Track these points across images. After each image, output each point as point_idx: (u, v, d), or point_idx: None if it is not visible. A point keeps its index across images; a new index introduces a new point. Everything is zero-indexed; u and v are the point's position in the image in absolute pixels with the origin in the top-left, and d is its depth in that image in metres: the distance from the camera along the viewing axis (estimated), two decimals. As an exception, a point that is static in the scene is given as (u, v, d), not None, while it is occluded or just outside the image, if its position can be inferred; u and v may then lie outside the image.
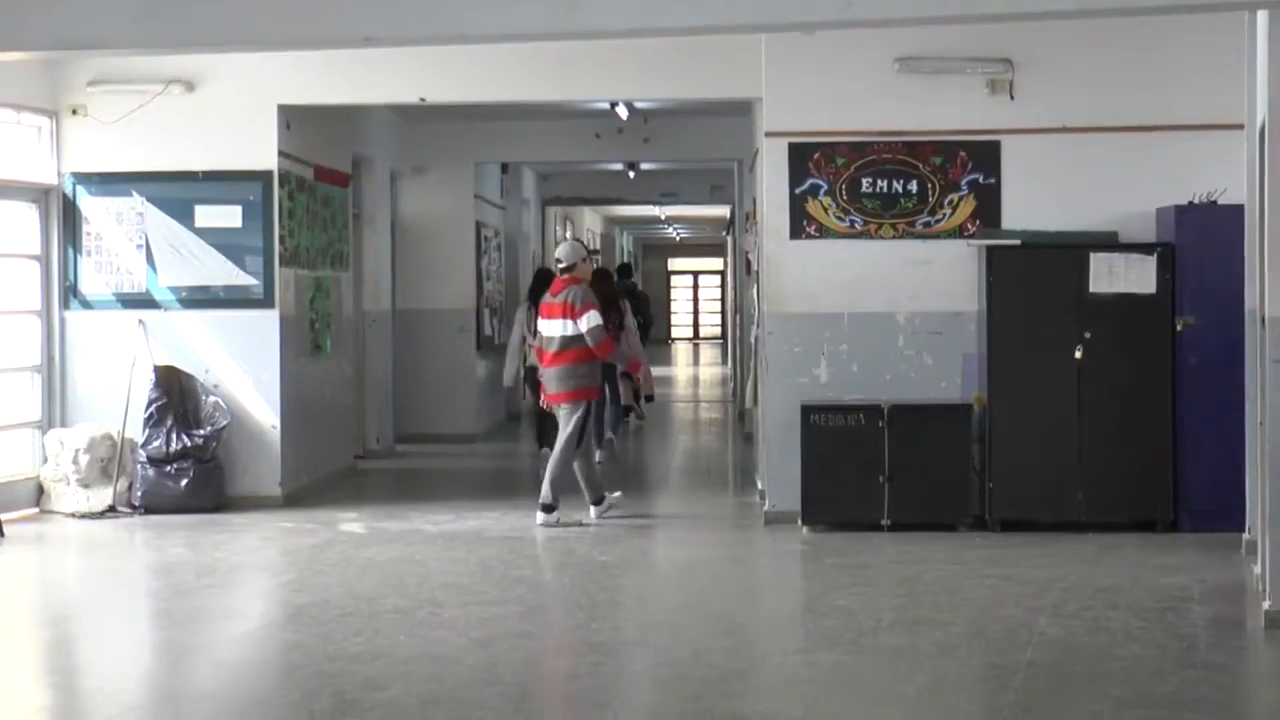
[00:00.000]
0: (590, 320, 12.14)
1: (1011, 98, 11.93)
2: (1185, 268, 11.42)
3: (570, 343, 12.21)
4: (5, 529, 11.83)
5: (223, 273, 13.14)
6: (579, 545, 11.38)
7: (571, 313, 12.19)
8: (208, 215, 13.15)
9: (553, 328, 12.32)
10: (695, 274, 52.64)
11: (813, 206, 12.12)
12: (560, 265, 12.60)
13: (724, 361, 35.88)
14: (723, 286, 47.15)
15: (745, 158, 17.31)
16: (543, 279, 15.98)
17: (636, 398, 17.40)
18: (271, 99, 13.10)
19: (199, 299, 13.14)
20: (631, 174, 23.40)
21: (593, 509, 12.38)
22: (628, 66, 13.00)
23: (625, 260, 31.71)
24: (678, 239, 47.45)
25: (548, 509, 12.08)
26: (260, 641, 8.94)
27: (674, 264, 52.56)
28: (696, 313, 52.90)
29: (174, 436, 12.81)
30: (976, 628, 8.66)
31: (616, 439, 17.50)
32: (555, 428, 15.08)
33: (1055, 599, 9.29)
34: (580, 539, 11.62)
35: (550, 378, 12.40)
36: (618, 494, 12.65)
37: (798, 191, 12.14)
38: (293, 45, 10.82)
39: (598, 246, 37.10)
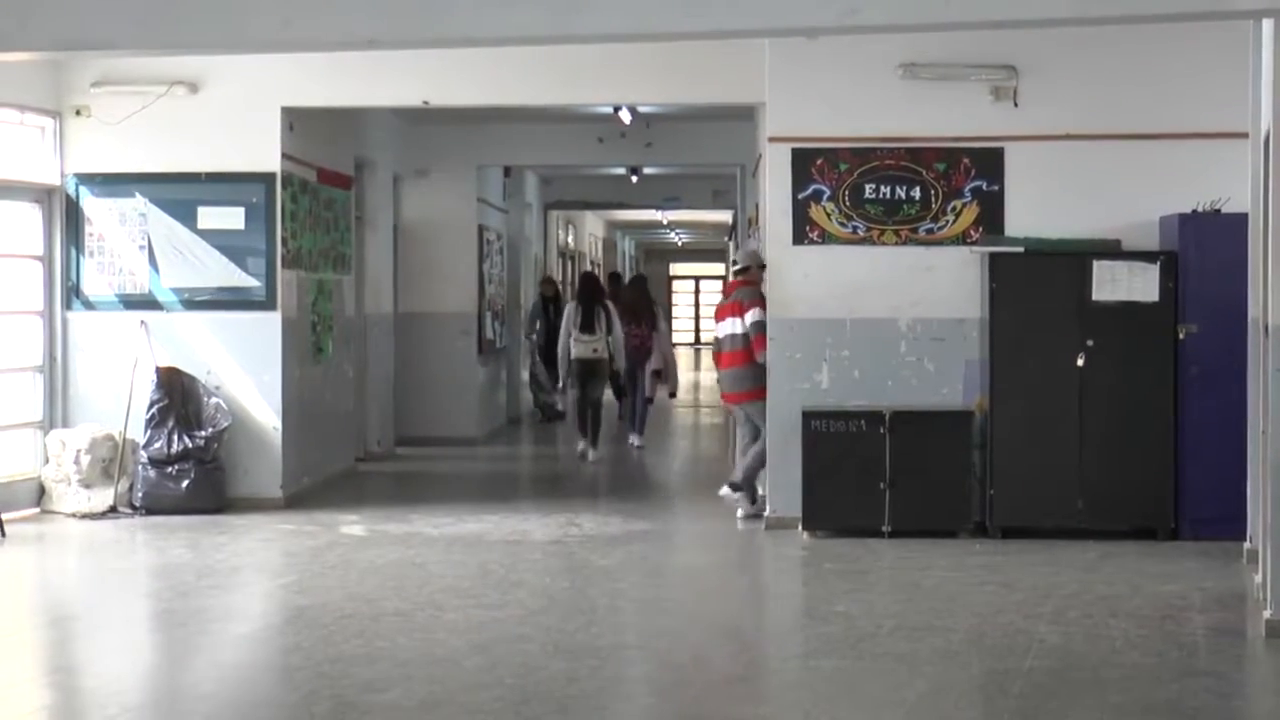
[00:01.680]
0: (754, 315, 12.39)
1: (1015, 104, 11.92)
2: (1188, 276, 11.42)
3: (744, 342, 12.47)
4: (6, 529, 11.83)
5: (225, 274, 13.14)
6: (579, 549, 11.38)
7: (741, 310, 12.46)
8: (210, 217, 13.15)
9: (725, 327, 12.66)
10: (697, 279, 52.64)
11: (815, 212, 12.11)
12: (736, 267, 13.08)
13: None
14: (724, 291, 47.08)
15: (748, 163, 17.32)
16: (588, 283, 17.72)
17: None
18: (275, 101, 13.10)
19: (201, 300, 13.15)
20: (634, 178, 23.40)
21: (742, 505, 12.67)
22: (631, 71, 13.02)
23: (615, 269, 31.96)
24: (680, 244, 47.45)
25: (752, 500, 12.62)
26: (260, 643, 8.94)
27: (675, 269, 52.55)
28: (698, 317, 52.87)
29: (175, 438, 12.82)
30: (977, 634, 8.65)
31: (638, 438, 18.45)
32: (596, 426, 16.77)
33: (1055, 606, 9.29)
34: (581, 544, 11.62)
35: (726, 378, 12.72)
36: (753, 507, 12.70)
37: (800, 197, 12.13)
38: (296, 47, 10.84)
39: (599, 251, 37.15)
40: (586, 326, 16.92)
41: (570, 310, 17.26)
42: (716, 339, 12.97)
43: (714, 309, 13.12)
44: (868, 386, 12.03)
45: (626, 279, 24.44)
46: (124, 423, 12.97)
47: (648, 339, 18.60)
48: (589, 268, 31.46)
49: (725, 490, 12.71)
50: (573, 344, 16.89)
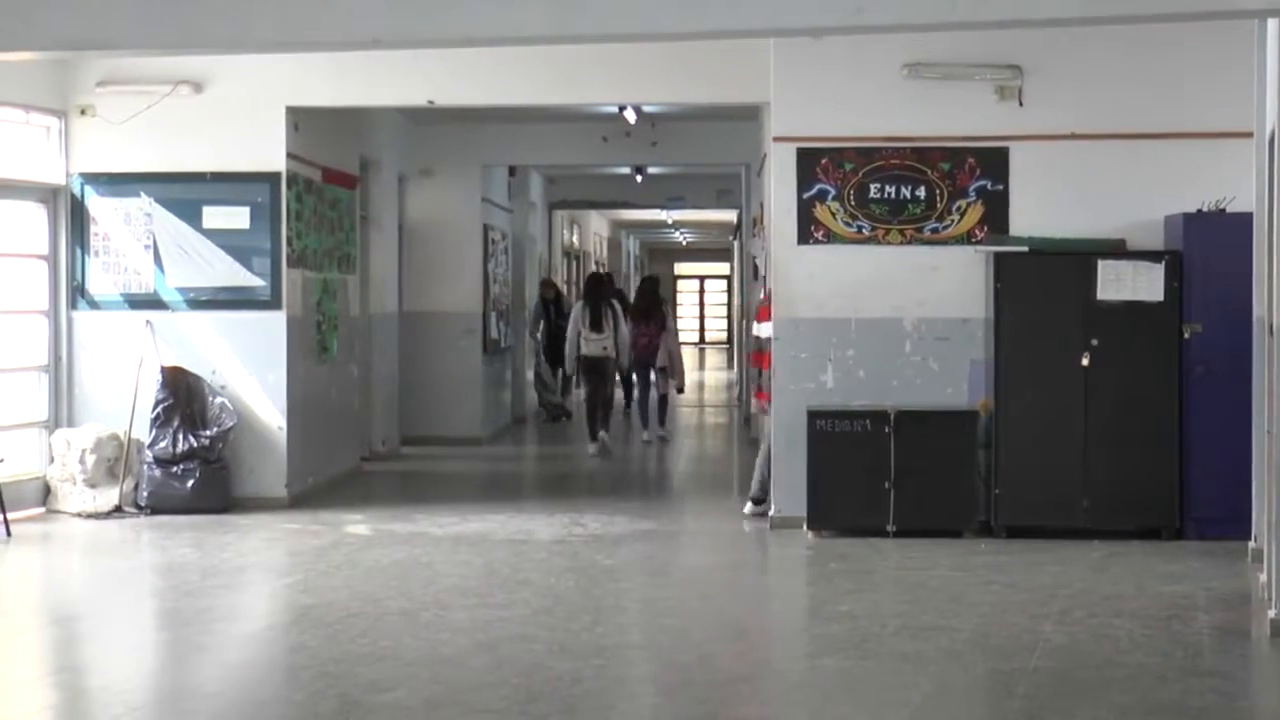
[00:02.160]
0: None
1: (1020, 104, 11.92)
2: (1193, 275, 11.41)
3: None
4: (12, 528, 11.84)
5: (230, 274, 13.15)
6: (584, 549, 11.38)
7: None
8: (215, 216, 13.16)
9: (770, 329, 12.56)
10: (701, 278, 52.65)
11: (820, 212, 12.12)
12: None
13: (729, 366, 35.88)
14: (729, 291, 47.11)
15: (753, 162, 17.33)
16: (593, 283, 18.45)
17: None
18: (280, 100, 13.11)
19: (206, 300, 13.16)
20: (639, 178, 23.40)
21: (750, 504, 12.73)
22: (636, 70, 13.02)
23: (607, 270, 32.01)
24: (684, 243, 47.44)
25: (758, 501, 12.61)
26: (266, 642, 8.94)
27: (680, 268, 52.55)
28: (702, 317, 52.91)
29: (180, 437, 12.83)
30: (981, 634, 8.65)
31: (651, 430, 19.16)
32: (606, 419, 17.41)
33: (1060, 606, 9.29)
34: (586, 543, 11.62)
35: (769, 378, 12.66)
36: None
37: (805, 196, 12.13)
38: (300, 47, 10.84)
39: (604, 250, 37.14)
40: (595, 325, 17.63)
41: (578, 310, 17.95)
42: (758, 339, 12.96)
43: (757, 309, 13.05)
44: (872, 386, 12.03)
45: (625, 280, 24.70)
46: (129, 422, 12.98)
47: (656, 337, 19.06)
48: (595, 268, 31.55)
49: (749, 508, 12.70)
50: (582, 342, 17.58)
